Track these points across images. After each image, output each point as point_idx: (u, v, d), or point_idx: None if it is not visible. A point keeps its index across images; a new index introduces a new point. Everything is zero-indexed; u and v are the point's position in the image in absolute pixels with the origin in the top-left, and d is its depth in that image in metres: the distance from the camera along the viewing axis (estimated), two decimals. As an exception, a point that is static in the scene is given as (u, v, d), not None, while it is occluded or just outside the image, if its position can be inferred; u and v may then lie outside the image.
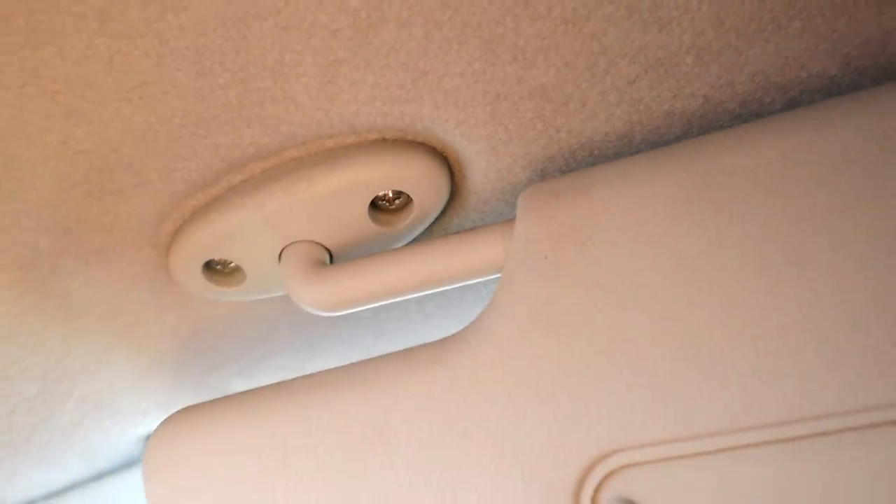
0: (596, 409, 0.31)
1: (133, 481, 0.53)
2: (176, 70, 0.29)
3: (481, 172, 0.36)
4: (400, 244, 0.39)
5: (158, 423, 0.38)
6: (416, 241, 0.39)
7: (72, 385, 0.39)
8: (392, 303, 0.43)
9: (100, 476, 0.52)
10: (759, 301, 0.30)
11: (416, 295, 0.36)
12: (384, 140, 0.35)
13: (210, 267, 0.39)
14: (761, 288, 0.30)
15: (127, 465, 0.53)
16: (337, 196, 0.35)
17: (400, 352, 0.35)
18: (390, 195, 0.37)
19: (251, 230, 0.36)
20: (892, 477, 0.28)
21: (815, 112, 0.31)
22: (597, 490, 0.31)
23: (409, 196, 0.36)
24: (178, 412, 0.37)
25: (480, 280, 0.36)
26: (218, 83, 0.30)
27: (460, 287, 0.43)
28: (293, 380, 0.36)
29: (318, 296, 0.36)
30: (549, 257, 0.33)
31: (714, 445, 0.30)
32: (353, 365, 0.35)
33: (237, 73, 0.30)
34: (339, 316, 0.44)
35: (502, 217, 0.39)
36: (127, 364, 0.43)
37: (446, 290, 0.43)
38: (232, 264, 0.39)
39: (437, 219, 0.39)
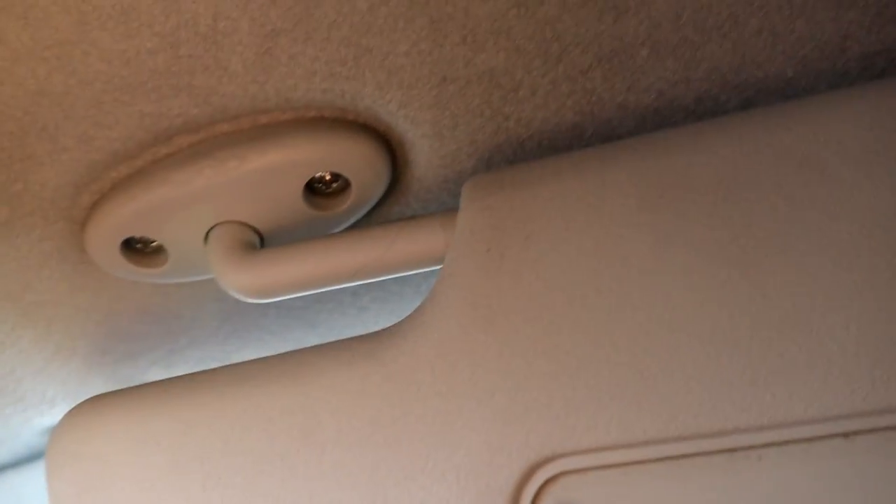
0: (537, 412, 0.29)
1: (36, 475, 0.50)
2: (100, 30, 0.27)
3: (425, 158, 0.34)
4: (336, 230, 0.37)
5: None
6: (353, 227, 0.37)
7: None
8: (325, 293, 0.41)
9: (0, 469, 0.49)
10: (709, 305, 0.28)
11: (350, 285, 0.34)
12: (323, 118, 0.33)
13: (130, 245, 0.36)
14: (712, 291, 0.29)
15: (30, 458, 0.50)
16: (270, 175, 0.33)
17: (330, 343, 0.33)
18: (327, 178, 0.35)
19: (176, 208, 0.34)
20: (845, 487, 0.27)
21: (772, 113, 0.30)
22: (536, 496, 0.30)
23: (347, 180, 0.34)
24: (86, 401, 0.34)
25: (419, 272, 0.35)
26: (145, 47, 0.28)
27: (398, 280, 0.42)
28: (214, 370, 0.34)
29: (245, 280, 0.34)
30: (491, 250, 0.31)
31: (660, 453, 0.29)
32: (279, 356, 0.33)
33: (166, 37, 0.28)
34: (268, 304, 0.42)
35: (445, 207, 0.37)
36: (33, 348, 0.40)
37: (383, 283, 0.41)
38: (154, 243, 0.37)
39: (377, 205, 0.37)
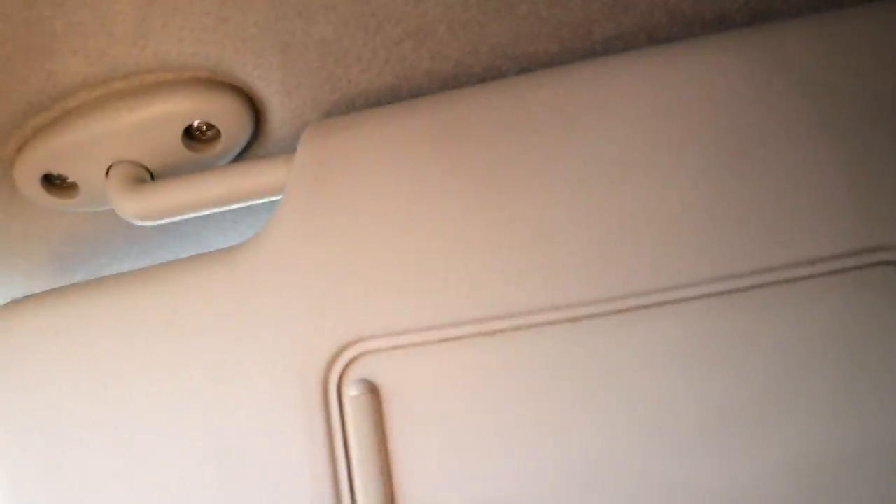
0: (342, 305, 0.37)
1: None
2: (5, 4, 0.34)
3: (278, 112, 0.42)
4: (212, 169, 0.44)
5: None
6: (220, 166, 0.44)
7: None
8: (211, 219, 0.49)
9: None
10: (487, 213, 0.36)
11: (221, 209, 0.42)
12: (197, 78, 0.40)
13: (50, 181, 0.44)
14: (489, 202, 0.36)
15: None
16: (155, 123, 0.41)
17: (198, 255, 0.40)
18: (203, 127, 0.43)
19: (82, 150, 0.41)
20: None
21: (532, 79, 0.38)
22: (342, 374, 0.37)
23: (217, 129, 0.42)
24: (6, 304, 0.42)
25: (271, 200, 0.42)
26: (44, 14, 0.35)
27: (267, 206, 0.49)
28: (101, 278, 0.41)
29: (133, 207, 0.42)
30: (318, 179, 0.39)
31: (443, 335, 0.37)
32: (152, 266, 0.41)
33: (60, 6, 0.35)
34: (167, 229, 0.49)
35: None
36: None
37: (256, 210, 0.49)
38: (68, 180, 0.44)
39: (245, 149, 0.44)
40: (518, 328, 0.36)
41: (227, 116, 0.41)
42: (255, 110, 0.42)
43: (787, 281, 0.35)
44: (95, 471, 0.39)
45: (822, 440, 0.34)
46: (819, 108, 0.35)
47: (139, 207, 0.42)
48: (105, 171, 0.43)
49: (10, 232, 0.46)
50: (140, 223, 0.42)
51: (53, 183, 0.44)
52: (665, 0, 0.37)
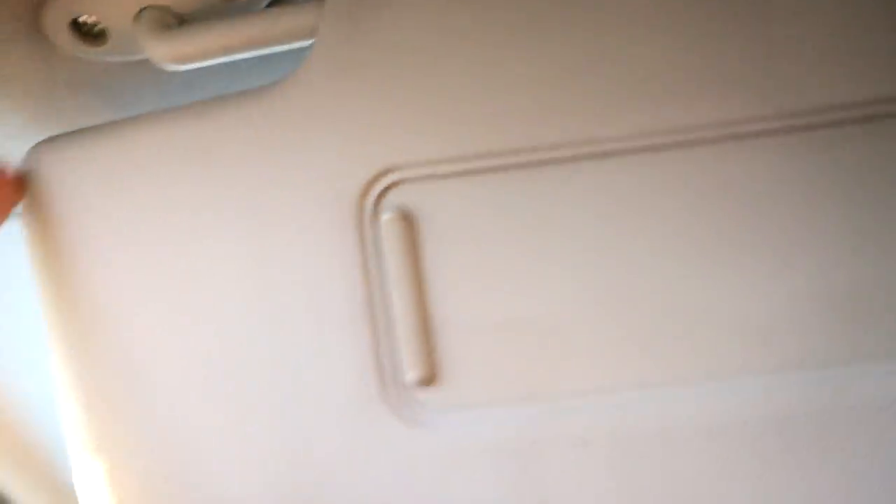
0: (376, 136, 0.38)
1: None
2: None
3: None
4: (243, 17, 0.44)
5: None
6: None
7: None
8: (242, 70, 0.49)
9: None
10: (520, 47, 0.37)
11: (252, 53, 0.42)
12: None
13: (79, 27, 0.44)
14: (521, 38, 0.37)
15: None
16: (185, -36, 0.41)
17: (233, 93, 0.41)
18: (232, -30, 0.43)
19: (112, -8, 0.42)
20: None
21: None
22: (377, 200, 0.39)
23: (245, -30, 0.42)
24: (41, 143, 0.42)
25: (303, 45, 0.43)
26: None
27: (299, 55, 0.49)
28: (137, 116, 0.42)
29: (165, 50, 0.42)
30: (352, 16, 0.39)
31: (476, 166, 0.38)
32: (189, 104, 0.41)
33: None
34: (195, 80, 0.49)
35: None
36: (6, 118, 0.48)
37: (291, 56, 0.49)
38: (97, 26, 0.45)
39: (275, -3, 0.45)
40: (548, 161, 0.38)
41: None
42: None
43: (809, 127, 0.36)
44: (137, 307, 0.41)
45: (845, 273, 0.36)
46: None
47: (171, 50, 0.42)
48: (135, 15, 0.43)
49: (39, 81, 0.47)
50: (171, 67, 0.43)
51: (82, 30, 0.45)
52: None
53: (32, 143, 0.48)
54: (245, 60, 0.45)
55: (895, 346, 0.37)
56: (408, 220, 0.38)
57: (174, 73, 0.49)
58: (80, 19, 0.44)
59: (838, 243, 0.37)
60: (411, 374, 0.38)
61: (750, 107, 0.37)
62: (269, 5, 0.45)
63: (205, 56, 0.42)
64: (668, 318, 0.38)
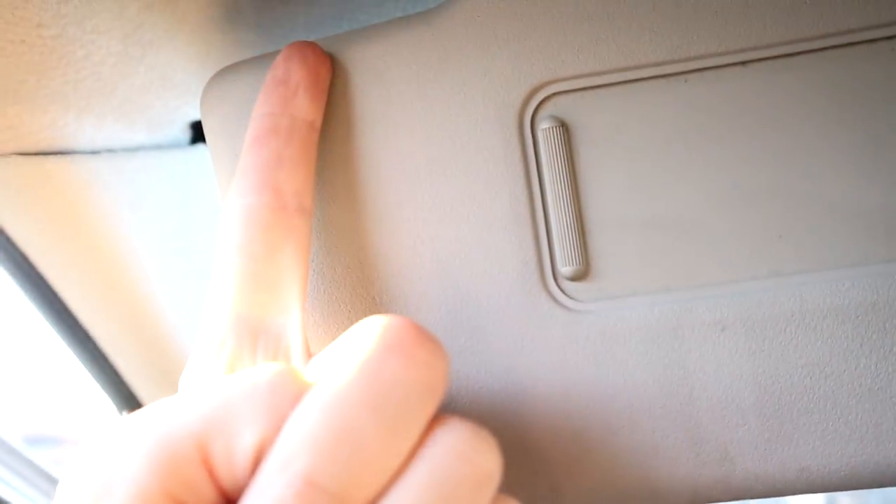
0: (533, 51, 0.42)
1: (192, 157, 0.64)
2: None
3: None
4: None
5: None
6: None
7: (143, 53, 0.49)
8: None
9: (159, 147, 0.63)
10: None
11: None
12: None
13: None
14: None
15: (180, 144, 0.64)
16: None
17: (395, 20, 0.45)
18: None
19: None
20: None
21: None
22: (535, 111, 0.43)
23: None
24: (225, 69, 0.47)
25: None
26: None
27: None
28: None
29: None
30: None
31: (625, 77, 0.42)
32: (365, 28, 0.45)
33: None
34: (344, 3, 0.53)
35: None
36: (185, 47, 0.52)
37: None
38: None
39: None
40: (691, 71, 0.41)
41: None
42: None
43: None
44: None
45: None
46: None
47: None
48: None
49: (207, 15, 0.51)
50: None
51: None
52: None
53: (204, 78, 0.52)
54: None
55: None
56: (563, 129, 0.42)
57: (324, 4, 0.53)
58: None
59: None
60: (566, 269, 0.42)
61: (866, 17, 0.40)
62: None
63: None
64: (797, 212, 0.41)
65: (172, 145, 0.65)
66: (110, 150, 0.59)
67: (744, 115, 0.41)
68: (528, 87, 0.42)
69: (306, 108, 0.37)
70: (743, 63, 0.41)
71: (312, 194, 0.38)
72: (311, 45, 0.41)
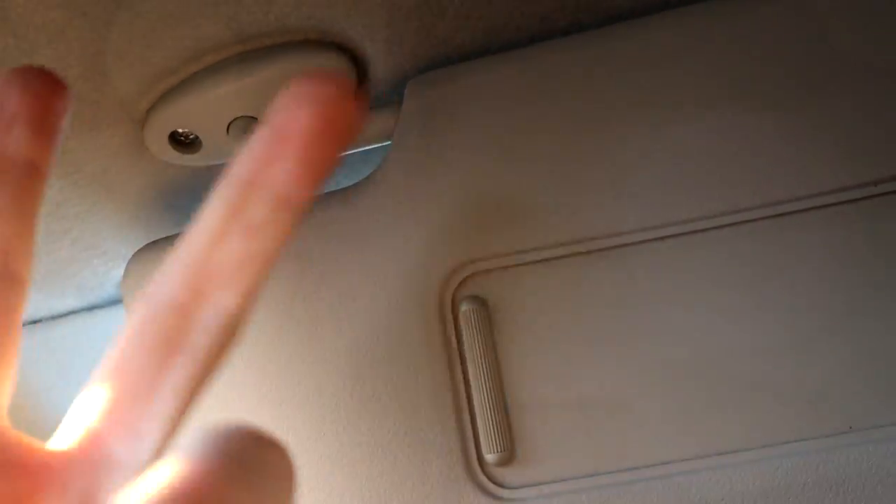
0: (451, 232, 0.41)
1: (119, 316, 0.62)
2: None
3: (381, 68, 0.45)
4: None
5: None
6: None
7: (69, 226, 0.47)
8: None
9: (91, 308, 0.61)
10: (576, 148, 0.40)
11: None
12: (309, 40, 0.43)
13: (174, 138, 0.47)
14: (578, 139, 0.40)
15: (113, 302, 0.61)
16: (272, 82, 0.44)
17: (319, 195, 0.44)
18: (314, 83, 0.46)
19: (206, 108, 0.45)
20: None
21: (610, 32, 0.41)
22: (455, 291, 0.41)
23: (327, 84, 0.45)
24: (145, 247, 0.45)
25: (381, 145, 0.45)
26: (185, -14, 0.38)
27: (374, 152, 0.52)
28: None
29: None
30: (426, 125, 0.42)
31: (542, 255, 0.40)
32: None
33: (197, -22, 0.38)
34: None
35: (396, 100, 0.48)
36: (112, 215, 0.51)
37: (372, 152, 0.52)
38: (192, 135, 0.48)
39: (349, 102, 0.47)
40: (609, 247, 0.40)
41: (335, 72, 0.43)
42: (358, 67, 0.45)
43: (854, 200, 0.38)
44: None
45: (890, 339, 0.38)
46: (841, 65, 0.38)
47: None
48: (226, 126, 0.46)
49: (139, 185, 0.50)
50: None
51: (177, 139, 0.48)
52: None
53: (128, 241, 0.51)
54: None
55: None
56: (484, 309, 0.40)
57: None
58: (178, 131, 0.47)
59: (883, 314, 0.38)
60: (491, 455, 0.40)
61: (797, 188, 0.39)
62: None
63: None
64: (725, 390, 0.39)
65: (106, 304, 0.62)
66: (34, 322, 0.57)
67: (665, 290, 0.40)
68: (448, 267, 0.40)
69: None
70: (661, 238, 0.40)
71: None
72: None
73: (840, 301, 0.37)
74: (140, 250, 0.44)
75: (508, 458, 0.38)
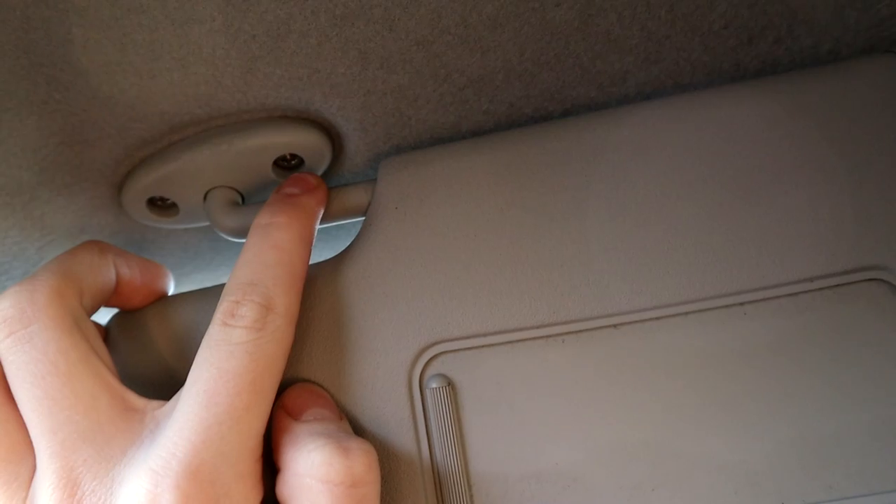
0: (420, 313, 0.41)
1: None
2: (135, 56, 0.37)
3: (355, 145, 0.46)
4: (296, 193, 0.48)
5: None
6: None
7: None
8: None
9: None
10: (539, 237, 0.41)
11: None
12: (286, 117, 0.44)
13: (152, 202, 0.48)
14: (541, 227, 0.41)
15: None
16: (249, 155, 0.44)
17: None
18: (289, 157, 0.46)
19: (184, 177, 0.45)
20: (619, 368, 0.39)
21: (576, 122, 0.42)
22: (423, 371, 0.42)
23: (301, 158, 0.46)
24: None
25: (352, 221, 0.46)
26: (166, 67, 0.38)
27: (343, 227, 0.53)
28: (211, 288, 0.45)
29: (230, 225, 0.46)
30: (398, 207, 0.43)
31: (507, 338, 0.41)
32: None
33: (180, 60, 0.38)
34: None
35: (369, 178, 0.48)
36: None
37: (333, 230, 0.53)
38: (169, 201, 0.48)
39: (323, 175, 0.48)
40: (567, 333, 0.41)
41: (311, 149, 0.44)
42: (334, 143, 0.46)
43: (791, 294, 0.40)
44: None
45: (819, 423, 0.39)
46: (823, 150, 0.40)
47: (234, 225, 0.45)
48: (203, 195, 0.47)
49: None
50: (235, 239, 0.46)
51: (155, 204, 0.48)
52: (689, 54, 0.42)
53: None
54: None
55: (868, 484, 0.40)
56: (450, 387, 0.41)
57: (223, 267, 0.53)
58: (156, 197, 0.47)
59: (814, 398, 0.40)
60: (457, 532, 0.41)
61: (736, 282, 0.41)
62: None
63: (266, 232, 0.45)
64: (672, 467, 0.41)
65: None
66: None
67: (617, 373, 0.41)
68: (417, 347, 0.41)
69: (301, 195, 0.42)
70: (615, 326, 0.41)
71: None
72: (312, 175, 0.45)
73: (777, 387, 0.39)
74: (118, 314, 0.44)
75: (471, 533, 0.39)
